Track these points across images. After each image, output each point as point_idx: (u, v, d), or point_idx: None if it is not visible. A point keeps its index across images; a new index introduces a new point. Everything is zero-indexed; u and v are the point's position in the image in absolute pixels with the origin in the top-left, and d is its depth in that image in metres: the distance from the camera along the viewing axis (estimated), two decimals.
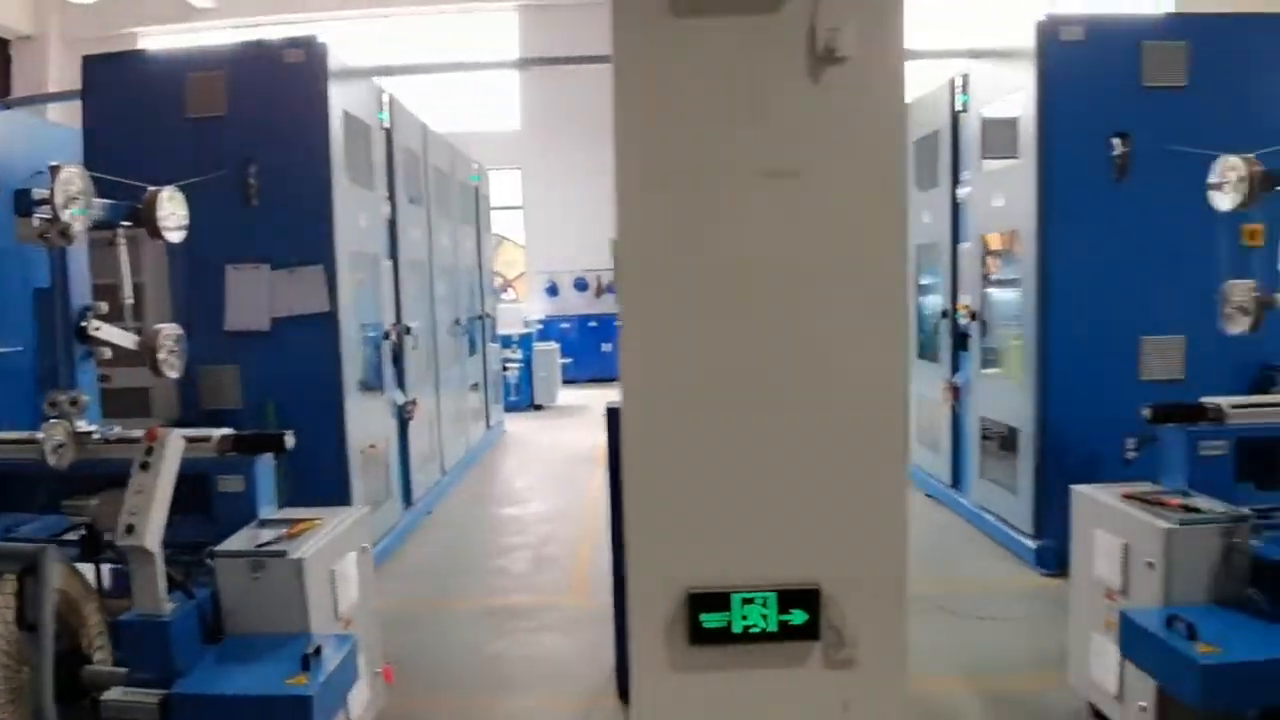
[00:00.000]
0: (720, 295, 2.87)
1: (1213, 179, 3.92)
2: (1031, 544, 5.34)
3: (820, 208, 2.86)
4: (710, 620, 2.85)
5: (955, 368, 6.59)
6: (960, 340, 6.49)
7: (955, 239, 6.63)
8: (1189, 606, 2.88)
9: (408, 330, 6.67)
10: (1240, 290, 3.85)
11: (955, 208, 6.63)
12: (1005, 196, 5.68)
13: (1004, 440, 5.75)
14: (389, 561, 5.79)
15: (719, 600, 2.88)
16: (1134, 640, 2.86)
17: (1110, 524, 3.23)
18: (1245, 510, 3.00)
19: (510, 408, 11.80)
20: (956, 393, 6.50)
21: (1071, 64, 5.21)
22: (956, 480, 6.64)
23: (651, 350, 2.88)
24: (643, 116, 2.88)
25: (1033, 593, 5.01)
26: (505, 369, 11.75)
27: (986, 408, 6.05)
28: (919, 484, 7.41)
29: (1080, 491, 3.44)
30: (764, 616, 2.87)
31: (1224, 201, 3.91)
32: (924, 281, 7.44)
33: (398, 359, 6.55)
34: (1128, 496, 3.17)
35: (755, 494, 2.95)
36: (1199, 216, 4.04)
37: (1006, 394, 5.67)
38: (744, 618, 2.86)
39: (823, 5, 2.80)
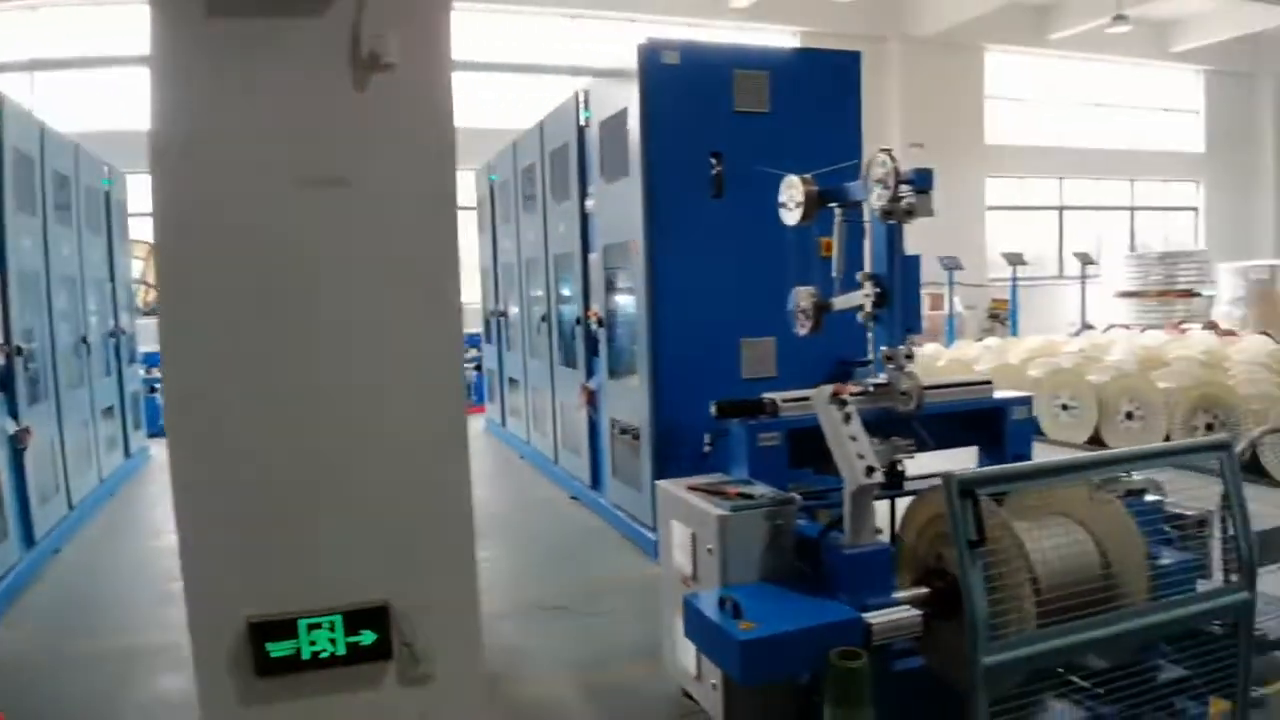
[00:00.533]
0: (265, 308, 2.71)
1: (781, 197, 4.34)
2: (653, 537, 5.63)
3: (369, 217, 2.79)
4: (277, 649, 2.68)
5: (590, 373, 6.83)
6: (593, 346, 6.74)
7: (585, 249, 6.87)
8: (742, 586, 3.14)
9: (19, 350, 5.78)
10: (804, 296, 4.28)
11: (584, 219, 6.88)
12: (621, 209, 5.97)
13: (631, 440, 6.04)
14: (10, 605, 5.21)
15: (284, 627, 2.71)
16: (692, 622, 3.06)
17: (681, 514, 3.45)
18: (791, 494, 3.32)
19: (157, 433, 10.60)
20: (592, 397, 6.74)
21: (672, 87, 5.58)
22: (596, 481, 6.88)
23: (192, 365, 2.67)
24: (180, 121, 2.67)
25: (650, 584, 5.27)
26: (154, 390, 10.55)
27: (617, 410, 6.32)
28: (565, 487, 7.61)
29: (660, 486, 3.65)
30: (332, 640, 2.75)
31: (789, 217, 4.35)
32: (563, 291, 7.66)
33: (6, 383, 5.66)
34: (693, 488, 3.40)
35: (314, 514, 2.82)
36: (784, 230, 4.44)
37: (631, 396, 5.96)
38: (312, 643, 2.72)
39: (367, 11, 2.73)
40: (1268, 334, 13.14)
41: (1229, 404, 7.37)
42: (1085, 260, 16.91)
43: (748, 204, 5.59)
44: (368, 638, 2.74)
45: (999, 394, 4.15)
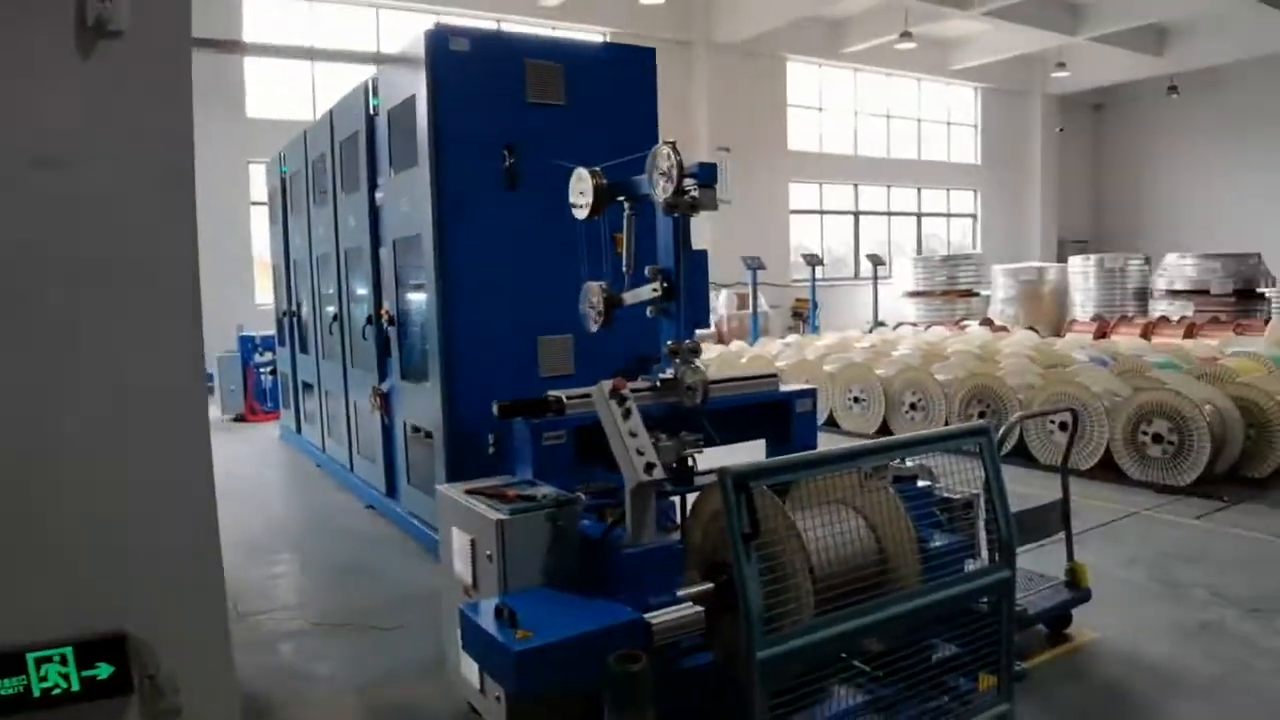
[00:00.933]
0: None
1: (572, 190, 4.22)
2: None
3: (91, 203, 2.45)
4: (4, 687, 2.31)
5: (382, 375, 6.49)
6: (385, 346, 6.40)
7: (375, 244, 6.52)
8: (522, 593, 2.99)
9: None
10: (593, 291, 4.18)
11: (374, 211, 6.53)
12: (410, 201, 5.69)
13: (426, 445, 5.76)
14: None
15: (9, 662, 2.35)
16: (469, 634, 2.88)
17: (460, 520, 3.27)
18: (576, 494, 3.20)
19: None
20: (385, 400, 6.40)
21: (462, 75, 5.36)
22: (392, 489, 6.54)
23: None
24: None
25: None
26: None
27: (411, 413, 6.02)
28: (361, 495, 7.21)
29: (440, 491, 3.45)
30: (64, 675, 2.40)
31: (579, 212, 4.23)
32: (356, 289, 7.26)
33: None
34: (472, 492, 3.22)
35: (42, 538, 2.46)
36: (580, 225, 4.31)
37: (424, 398, 5.68)
38: (43, 679, 2.36)
39: None
40: (1034, 329, 14.38)
41: (999, 393, 7.92)
42: (876, 261, 17.91)
43: (543, 199, 5.44)
44: (104, 671, 2.42)
45: (784, 387, 4.20)
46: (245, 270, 15.10)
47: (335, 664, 4.21)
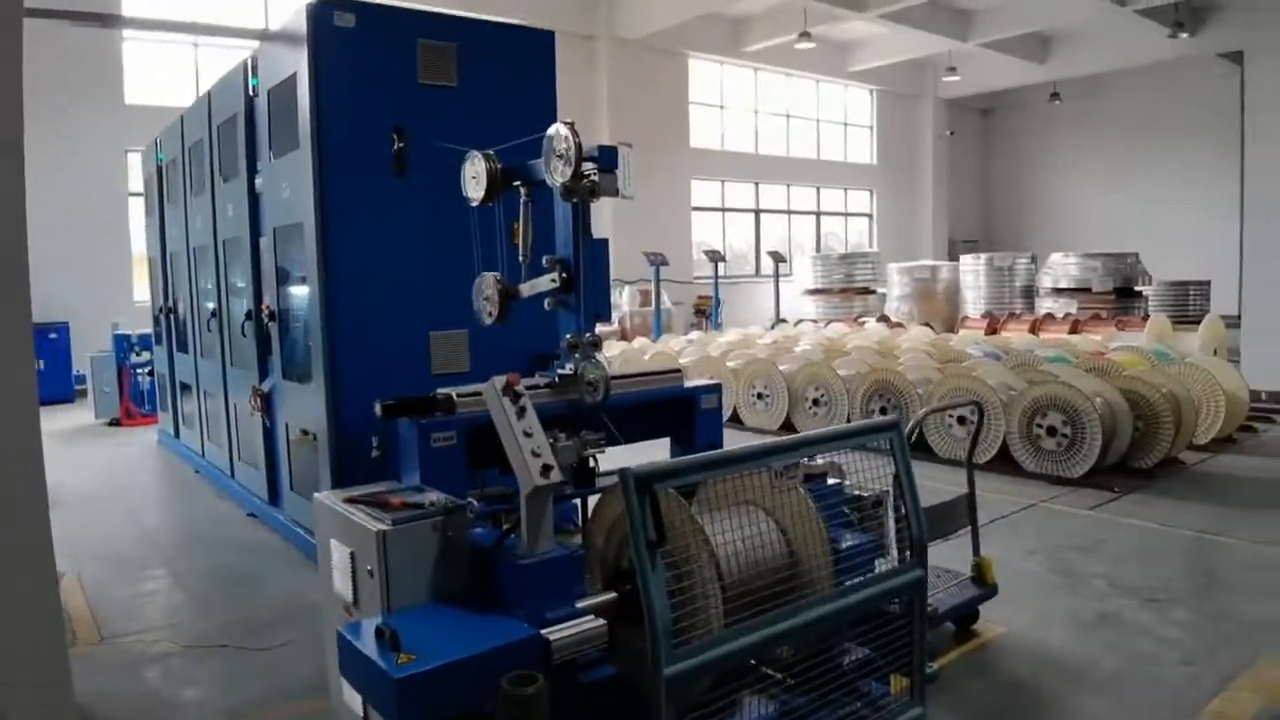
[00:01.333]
0: None
1: (465, 175, 3.96)
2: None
3: None
4: None
5: (263, 374, 6.07)
6: (266, 343, 5.99)
7: (255, 233, 6.10)
8: (408, 611, 2.73)
9: None
10: (488, 283, 3.92)
11: (254, 199, 6.11)
12: (291, 187, 5.31)
13: (310, 448, 5.39)
14: None
15: None
16: (347, 659, 2.61)
17: (339, 531, 2.98)
18: (466, 500, 2.95)
19: None
20: (266, 401, 5.99)
21: (348, 52, 5.02)
22: (274, 496, 6.13)
23: None
24: None
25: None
26: None
27: (294, 415, 5.64)
28: (242, 503, 6.76)
29: (317, 500, 3.15)
30: None
31: (473, 197, 3.97)
32: (236, 282, 6.79)
33: None
34: (352, 500, 2.94)
35: None
36: (474, 214, 4.04)
37: (308, 399, 5.31)
38: None
39: None
40: (929, 325, 14.69)
41: (899, 388, 7.96)
42: (777, 259, 18.04)
43: (435, 185, 5.13)
44: None
45: (689, 383, 4.03)
46: (123, 266, 14.20)
47: (206, 689, 3.85)
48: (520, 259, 3.87)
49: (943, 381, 7.68)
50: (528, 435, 2.71)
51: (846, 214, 25.15)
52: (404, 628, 2.54)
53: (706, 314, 18.90)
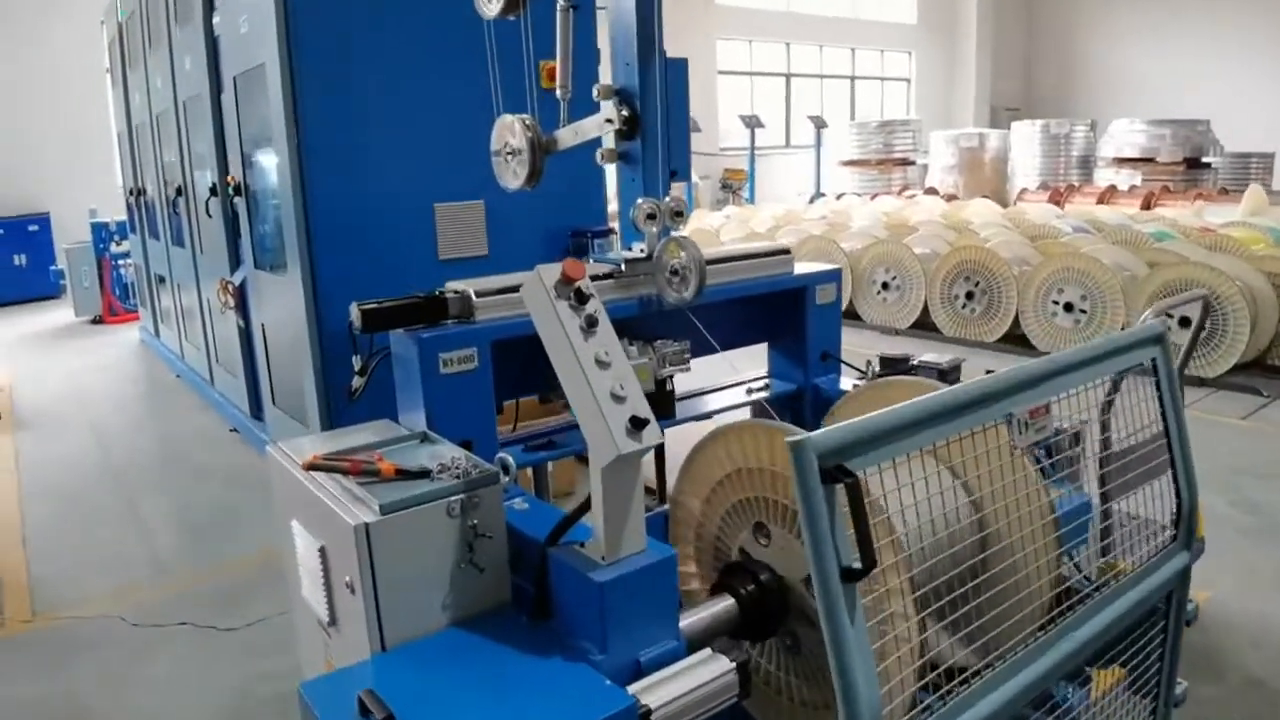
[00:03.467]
0: None
1: None
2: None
3: None
4: None
5: (234, 263, 4.95)
6: (234, 225, 4.85)
7: (216, 87, 4.87)
8: (411, 647, 1.69)
9: None
10: (511, 128, 2.75)
11: (212, 43, 4.86)
12: (251, 19, 4.06)
13: (291, 356, 4.31)
14: None
15: None
16: None
17: (304, 513, 1.92)
18: (500, 461, 1.86)
19: None
20: (239, 296, 4.89)
21: None
22: (257, 409, 5.11)
23: None
24: None
25: None
26: None
27: (270, 314, 4.54)
28: (225, 415, 5.75)
29: (270, 454, 2.07)
30: None
31: (488, 8, 2.75)
32: (197, 150, 5.59)
33: None
34: (321, 462, 1.85)
35: None
36: (486, 34, 2.84)
37: (284, 293, 4.20)
38: None
39: None
40: (988, 198, 13.33)
41: (990, 269, 6.77)
42: (819, 124, 16.55)
43: (443, 11, 3.93)
44: None
45: (800, 268, 2.89)
46: (103, 146, 12.88)
47: (153, 695, 2.89)
48: (559, 92, 2.68)
49: (1046, 262, 6.47)
50: (602, 365, 1.60)
51: (884, 78, 23.27)
52: (403, 691, 1.50)
53: (734, 189, 17.51)
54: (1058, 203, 13.07)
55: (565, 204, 4.45)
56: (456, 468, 1.81)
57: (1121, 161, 15.86)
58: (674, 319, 2.54)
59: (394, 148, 3.93)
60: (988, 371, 1.68)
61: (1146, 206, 12.23)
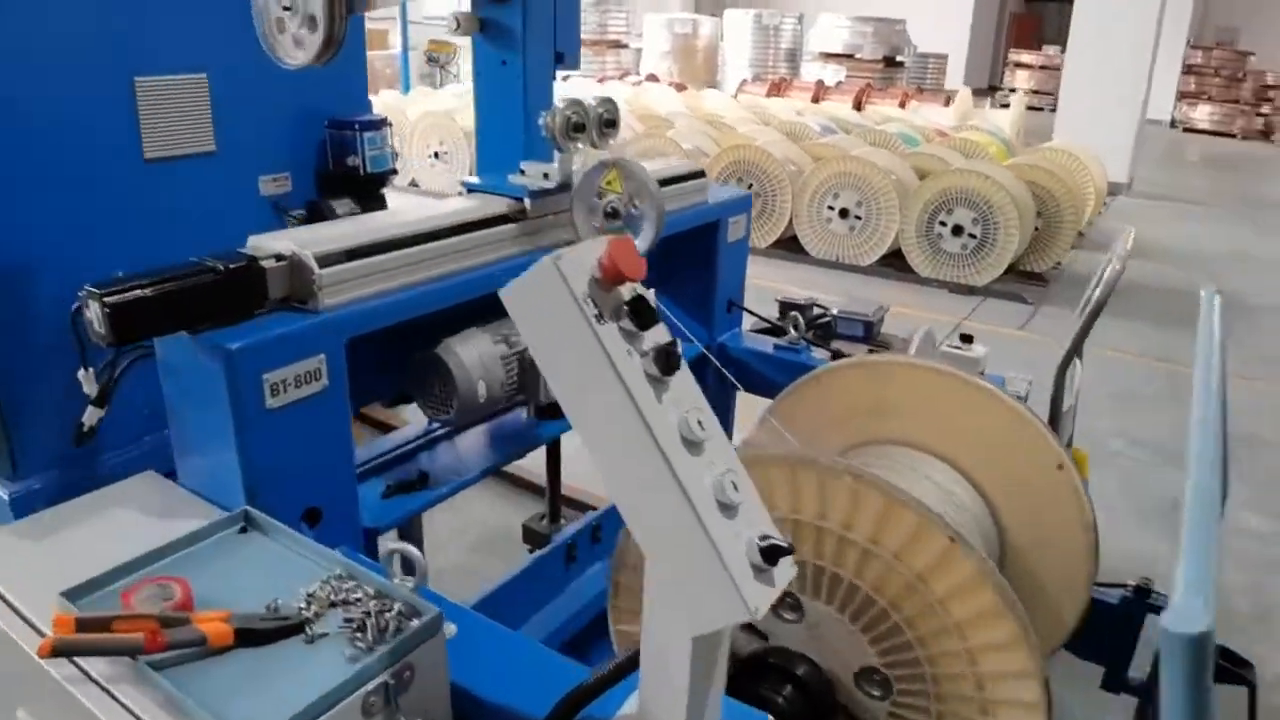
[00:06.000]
0: None
1: None
2: (3, 492, 2.79)
3: None
4: None
5: None
6: None
7: None
8: None
9: None
10: None
11: None
12: None
13: None
14: None
15: None
16: None
17: None
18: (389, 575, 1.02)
19: None
20: None
21: None
22: None
23: None
24: None
25: None
26: None
27: None
28: None
29: None
30: None
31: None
32: None
33: None
34: (64, 645, 0.92)
35: None
36: None
37: None
38: None
39: None
40: (714, 88, 13.14)
41: (765, 169, 6.40)
42: None
43: None
44: None
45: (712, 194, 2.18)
46: None
47: None
48: None
49: (821, 165, 6.20)
50: (692, 447, 0.83)
51: None
52: None
53: (444, 63, 15.99)
54: (775, 96, 13.18)
55: (315, 81, 3.33)
56: (355, 605, 0.97)
57: (828, 57, 16.38)
58: None
59: None
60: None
61: (858, 105, 12.63)
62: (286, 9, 1.83)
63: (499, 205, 1.55)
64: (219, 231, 3.16)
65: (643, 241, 1.52)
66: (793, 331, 2.25)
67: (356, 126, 3.30)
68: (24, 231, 2.61)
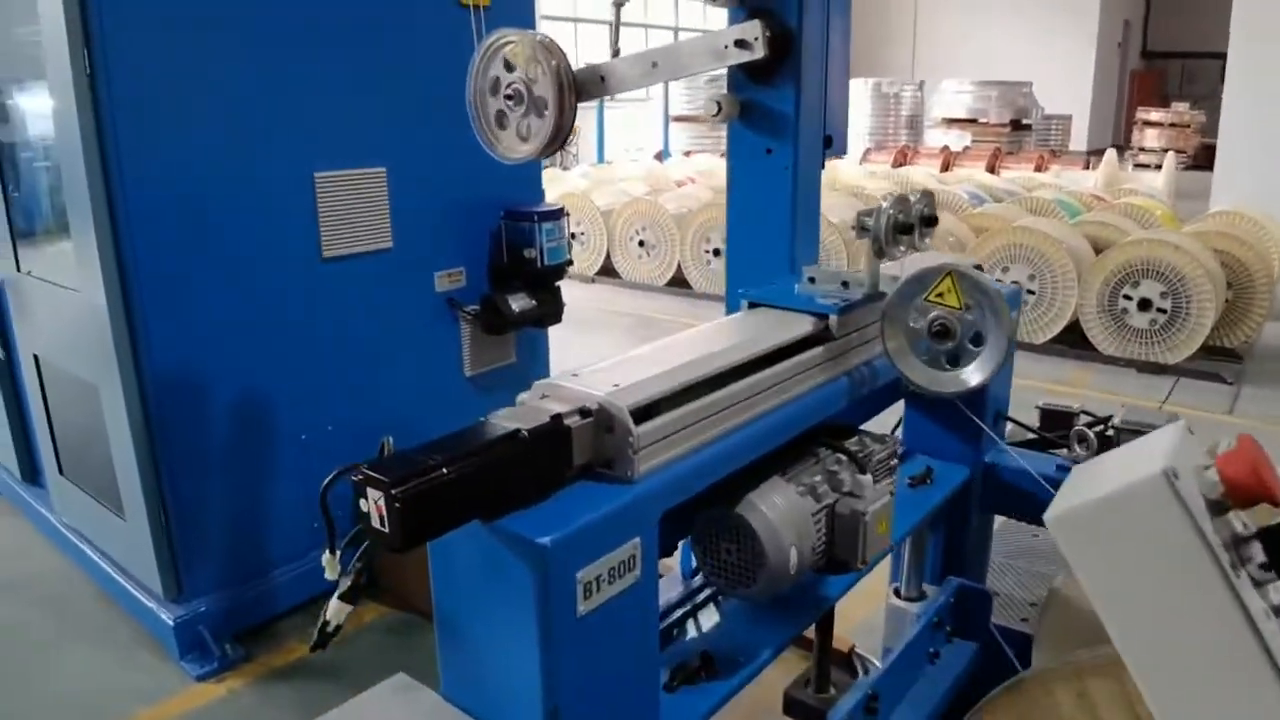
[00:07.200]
0: None
1: None
2: (167, 615, 2.64)
3: None
4: None
5: None
6: None
7: None
8: None
9: None
10: (524, 55, 1.60)
11: None
12: None
13: (85, 405, 2.81)
14: None
15: None
16: None
17: None
18: None
19: None
20: None
21: None
22: (30, 473, 3.51)
23: None
24: None
25: None
26: None
27: (43, 335, 3.01)
28: None
29: None
30: None
31: None
32: None
33: None
34: None
35: None
36: None
37: (69, 306, 2.70)
38: None
39: None
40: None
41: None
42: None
43: None
44: None
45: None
46: None
47: None
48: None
49: (989, 236, 5.81)
50: None
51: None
52: None
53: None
54: (902, 164, 12.82)
55: (490, 170, 3.20)
56: None
57: (951, 122, 15.97)
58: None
59: (251, 87, 2.54)
60: None
61: (991, 169, 12.16)
62: (509, 99, 1.67)
63: (801, 325, 1.27)
64: (393, 329, 3.02)
65: (980, 372, 1.22)
66: (1077, 448, 1.90)
67: (535, 217, 3.14)
68: (197, 336, 2.50)
